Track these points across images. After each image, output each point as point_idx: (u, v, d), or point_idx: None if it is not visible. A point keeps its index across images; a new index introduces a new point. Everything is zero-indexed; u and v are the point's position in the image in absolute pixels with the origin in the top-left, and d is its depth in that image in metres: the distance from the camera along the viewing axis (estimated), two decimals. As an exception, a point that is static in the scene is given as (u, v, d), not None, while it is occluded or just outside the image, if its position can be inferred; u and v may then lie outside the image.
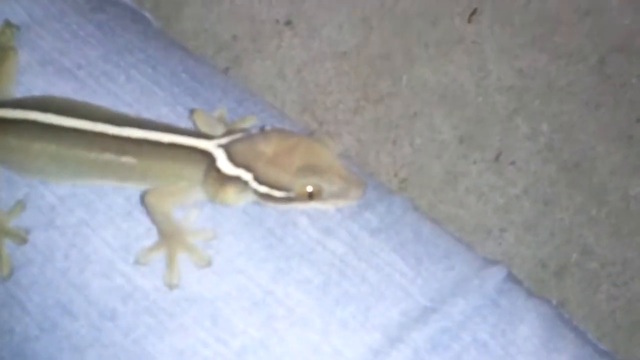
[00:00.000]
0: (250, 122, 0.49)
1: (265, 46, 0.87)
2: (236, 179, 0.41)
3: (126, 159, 0.42)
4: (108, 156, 0.42)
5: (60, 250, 0.44)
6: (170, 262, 0.42)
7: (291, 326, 0.41)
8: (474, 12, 0.84)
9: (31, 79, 0.48)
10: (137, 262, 0.42)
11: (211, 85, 0.53)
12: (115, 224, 0.44)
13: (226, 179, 0.41)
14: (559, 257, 0.80)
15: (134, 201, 0.44)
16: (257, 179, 0.40)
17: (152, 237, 0.43)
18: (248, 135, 0.42)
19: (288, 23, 0.87)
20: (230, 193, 0.41)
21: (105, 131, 0.42)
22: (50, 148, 0.42)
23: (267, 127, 0.43)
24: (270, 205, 0.42)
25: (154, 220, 0.43)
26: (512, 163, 0.82)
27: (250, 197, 0.42)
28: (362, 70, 0.84)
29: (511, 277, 0.51)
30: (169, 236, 0.42)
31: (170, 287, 0.41)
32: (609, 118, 0.83)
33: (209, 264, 0.42)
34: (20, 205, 0.44)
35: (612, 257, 0.80)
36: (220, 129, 0.46)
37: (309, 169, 0.40)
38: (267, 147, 0.41)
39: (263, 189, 0.41)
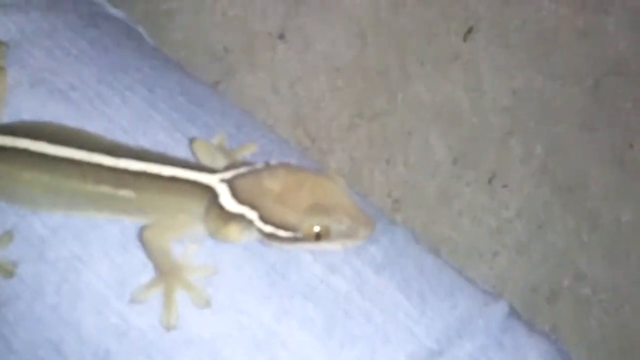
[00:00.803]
0: (251, 150, 0.47)
1: (258, 59, 0.85)
2: (240, 217, 0.39)
3: (124, 192, 0.40)
4: (104, 189, 0.40)
5: (51, 285, 0.41)
6: (167, 300, 0.40)
7: (295, 369, 0.40)
8: (470, 30, 0.84)
9: (21, 100, 0.46)
10: (133, 300, 0.40)
11: (210, 109, 0.51)
12: (109, 258, 0.42)
13: (229, 216, 0.39)
14: (551, 281, 0.80)
15: (129, 233, 0.42)
16: (263, 218, 0.39)
17: (149, 273, 0.41)
18: (253, 170, 0.40)
19: (282, 36, 0.85)
20: (233, 231, 0.39)
21: (102, 162, 0.40)
22: (43, 178, 0.40)
23: (273, 162, 0.41)
24: (275, 245, 0.40)
25: (150, 256, 0.41)
26: (505, 186, 0.82)
27: (254, 235, 0.40)
28: (357, 86, 0.83)
29: (513, 313, 0.50)
30: (166, 273, 0.40)
31: (168, 327, 0.39)
32: (603, 142, 0.82)
33: (208, 303, 0.40)
34: (8, 236, 0.42)
35: (603, 283, 0.80)
36: (221, 160, 0.45)
37: (317, 208, 0.38)
38: (273, 184, 0.39)
39: (268, 228, 0.39)
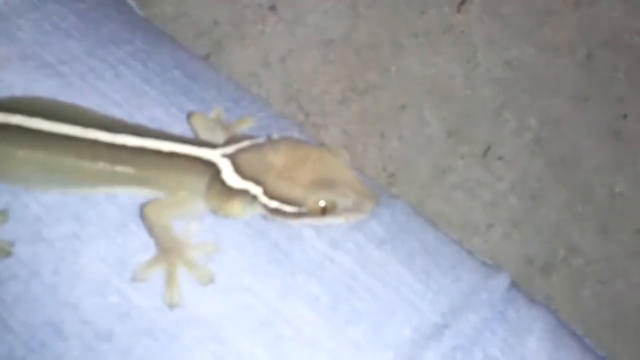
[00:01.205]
0: (249, 124, 0.46)
1: (248, 32, 0.83)
2: (243, 192, 0.38)
3: (122, 169, 0.39)
4: (102, 165, 0.39)
5: (49, 264, 0.40)
6: (169, 279, 0.39)
7: (300, 347, 0.39)
8: (463, 2, 0.83)
9: (11, 75, 0.45)
10: (134, 278, 0.39)
11: (205, 83, 0.50)
12: (109, 237, 0.41)
13: (232, 192, 0.38)
14: (545, 253, 0.80)
15: (129, 211, 0.41)
16: (267, 193, 0.38)
17: (151, 251, 0.40)
18: (255, 145, 0.39)
19: (272, 8, 0.83)
20: (237, 207, 0.38)
21: (99, 138, 0.39)
22: (38, 155, 0.39)
23: (275, 136, 0.40)
24: (279, 219, 0.39)
25: (152, 234, 0.40)
26: (500, 158, 0.82)
27: (257, 210, 0.39)
28: (349, 59, 0.82)
29: (514, 285, 0.51)
30: (168, 250, 0.39)
31: (171, 306, 0.39)
32: (596, 113, 0.82)
33: (211, 280, 0.39)
34: (2, 215, 0.41)
35: (597, 254, 0.80)
36: (220, 134, 0.43)
37: (322, 183, 0.38)
38: (277, 159, 0.38)
39: (273, 204, 0.38)
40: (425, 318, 0.42)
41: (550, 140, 0.81)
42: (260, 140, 0.40)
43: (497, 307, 0.45)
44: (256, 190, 0.38)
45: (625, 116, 0.81)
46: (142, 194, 0.41)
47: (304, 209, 0.38)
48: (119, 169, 0.39)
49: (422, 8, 0.83)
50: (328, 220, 0.39)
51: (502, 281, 0.49)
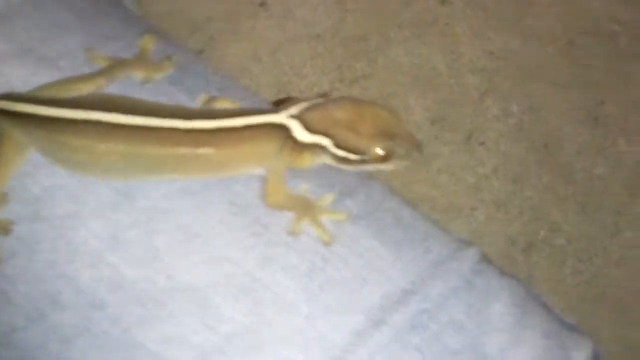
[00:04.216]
0: (226, 104, 0.50)
1: (240, 28, 0.87)
2: (314, 146, 0.44)
3: (204, 151, 0.43)
4: (184, 150, 0.43)
5: (47, 242, 0.44)
6: (317, 227, 0.45)
7: (278, 312, 0.43)
8: (447, -6, 0.86)
9: (10, 69, 0.48)
10: (291, 233, 0.45)
11: (194, 74, 0.53)
12: (103, 215, 0.44)
13: (304, 146, 0.44)
14: (528, 234, 0.83)
15: (122, 192, 0.45)
16: (336, 144, 0.44)
17: (141, 227, 0.44)
18: (318, 104, 0.45)
19: (263, 4, 0.87)
20: (307, 158, 0.45)
21: (177, 126, 0.43)
22: (120, 148, 0.43)
23: (333, 95, 0.45)
24: (344, 167, 0.45)
25: (289, 211, 0.45)
26: (483, 144, 0.85)
27: (324, 160, 0.45)
28: (337, 52, 0.85)
29: (485, 258, 0.53)
30: (305, 209, 0.45)
31: (329, 243, 0.44)
32: (576, 100, 0.85)
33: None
34: (3, 197, 0.44)
35: (577, 234, 0.83)
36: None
37: (383, 135, 0.44)
38: (342, 114, 0.44)
39: (342, 153, 0.44)
40: (395, 285, 0.45)
41: (532, 125, 0.85)
42: (320, 100, 0.45)
43: (465, 276, 0.48)
44: (326, 142, 0.44)
45: (603, 102, 0.84)
46: (219, 177, 0.46)
47: (367, 157, 0.44)
48: (201, 151, 0.43)
49: (407, 1, 0.86)
50: (385, 166, 0.45)
51: (473, 254, 0.52)
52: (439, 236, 0.52)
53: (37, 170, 0.45)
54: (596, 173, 0.84)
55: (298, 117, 0.44)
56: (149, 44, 0.52)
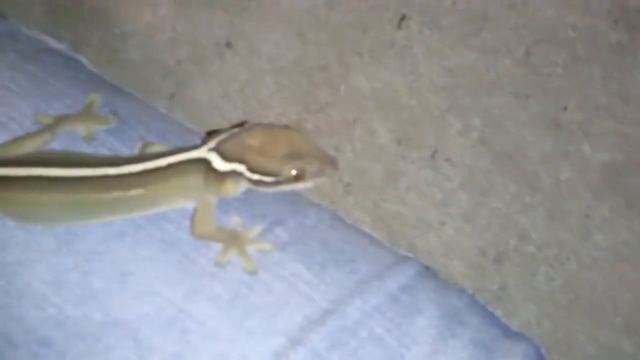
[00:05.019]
0: (157, 147, 0.53)
1: (208, 68, 0.92)
2: (232, 173, 0.47)
3: (134, 192, 0.47)
4: (116, 194, 0.47)
5: (1, 288, 0.49)
6: (243, 257, 0.48)
7: (203, 338, 0.46)
8: (402, 18, 0.89)
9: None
10: (217, 264, 0.48)
11: (135, 123, 0.58)
12: (46, 260, 0.49)
13: (224, 175, 0.47)
14: (497, 244, 0.84)
15: (62, 238, 0.49)
16: (250, 169, 0.47)
17: (80, 270, 0.48)
18: (234, 133, 0.48)
19: (228, 44, 0.91)
20: (230, 185, 0.48)
21: (108, 173, 0.47)
22: (59, 197, 0.47)
23: (248, 123, 0.50)
24: (262, 189, 0.48)
25: (214, 241, 0.49)
26: (448, 159, 0.87)
27: (245, 185, 0.49)
28: (301, 82, 0.89)
29: (423, 272, 0.55)
30: (231, 240, 0.48)
31: (254, 272, 0.48)
32: (537, 108, 0.87)
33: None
34: None
35: (547, 240, 0.84)
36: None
37: (293, 155, 0.47)
38: (253, 140, 0.47)
39: (256, 176, 0.47)
40: (316, 306, 0.48)
41: (495, 137, 0.86)
42: (235, 130, 0.49)
43: (390, 292, 0.50)
44: (242, 168, 0.47)
45: (565, 108, 0.85)
46: (155, 212, 0.50)
47: (280, 178, 0.47)
48: (132, 192, 0.47)
49: (364, 28, 0.89)
50: (300, 185, 0.48)
51: (406, 269, 0.54)
52: (371, 255, 0.54)
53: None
54: (562, 178, 0.85)
55: (215, 149, 0.48)
56: (95, 100, 0.57)
